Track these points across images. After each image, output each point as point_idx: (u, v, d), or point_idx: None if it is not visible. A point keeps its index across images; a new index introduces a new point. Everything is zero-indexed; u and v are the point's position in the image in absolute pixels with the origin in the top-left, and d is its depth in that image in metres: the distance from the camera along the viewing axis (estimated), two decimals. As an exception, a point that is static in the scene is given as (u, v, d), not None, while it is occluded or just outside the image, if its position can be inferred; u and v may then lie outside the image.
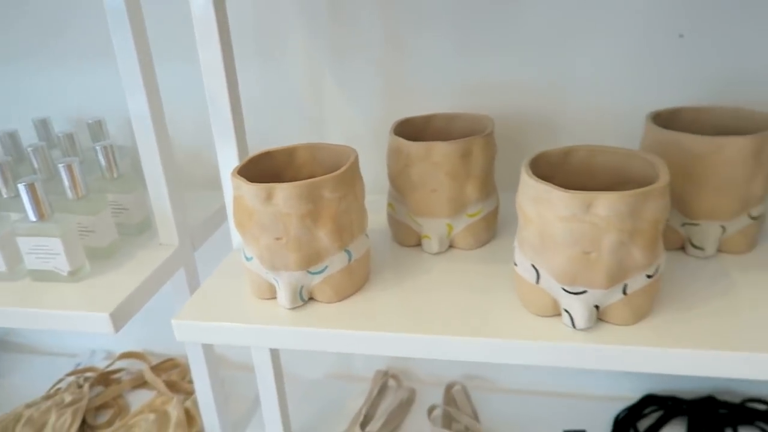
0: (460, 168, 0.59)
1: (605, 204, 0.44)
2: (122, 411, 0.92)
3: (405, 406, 0.91)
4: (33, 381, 0.99)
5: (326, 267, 0.54)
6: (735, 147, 0.54)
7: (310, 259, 0.53)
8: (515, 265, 0.53)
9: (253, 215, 0.52)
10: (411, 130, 0.66)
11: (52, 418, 0.86)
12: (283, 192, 0.50)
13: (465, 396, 0.91)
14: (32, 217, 0.60)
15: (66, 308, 0.58)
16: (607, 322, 0.50)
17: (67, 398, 0.90)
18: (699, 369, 0.47)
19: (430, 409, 0.88)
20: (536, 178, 0.47)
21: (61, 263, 0.62)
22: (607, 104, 0.71)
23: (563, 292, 0.49)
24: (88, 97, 0.86)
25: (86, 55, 0.83)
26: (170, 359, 1.01)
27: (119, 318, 0.58)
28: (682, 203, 0.59)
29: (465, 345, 0.50)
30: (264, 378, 0.82)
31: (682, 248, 0.61)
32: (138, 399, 0.95)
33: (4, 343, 1.14)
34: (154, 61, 0.62)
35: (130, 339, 1.06)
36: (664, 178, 0.47)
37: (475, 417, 0.88)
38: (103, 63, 0.82)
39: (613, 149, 0.53)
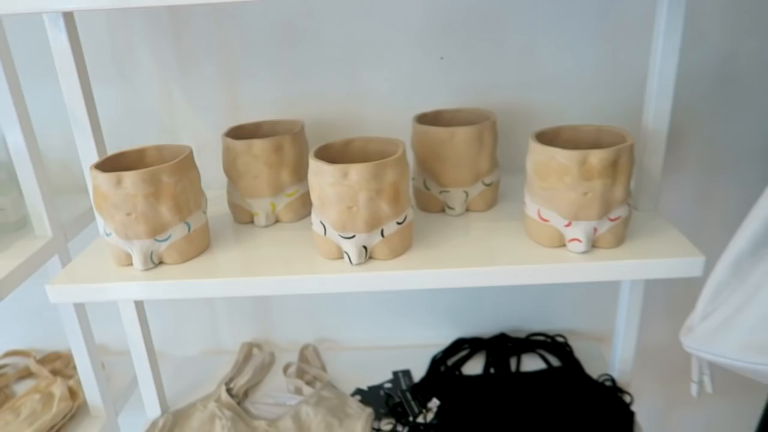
0: (275, 159, 0.79)
1: (355, 171, 0.66)
2: (9, 399, 1.02)
3: (267, 367, 1.08)
4: None
5: (170, 236, 0.72)
6: (462, 133, 0.78)
7: (156, 229, 0.70)
8: (312, 224, 0.73)
9: (108, 198, 0.68)
10: (241, 132, 0.85)
11: (-61, 408, 0.95)
12: (130, 178, 0.67)
13: (315, 354, 1.10)
14: None
15: (-47, 285, 0.71)
16: (375, 258, 0.72)
17: (-47, 391, 0.99)
18: (431, 282, 0.69)
19: (286, 367, 1.06)
20: (316, 159, 0.68)
21: (-54, 252, 0.74)
22: (390, 110, 0.94)
23: (341, 238, 0.70)
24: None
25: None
26: (54, 352, 1.12)
27: (2, 290, 0.72)
28: (437, 176, 0.81)
29: (273, 283, 0.69)
30: (138, 356, 0.96)
31: (443, 211, 0.84)
32: (24, 389, 1.05)
33: None
34: (27, 82, 0.77)
35: (13, 341, 1.15)
36: (399, 152, 0.69)
37: (323, 369, 1.07)
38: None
39: (377, 138, 0.75)
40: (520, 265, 0.69)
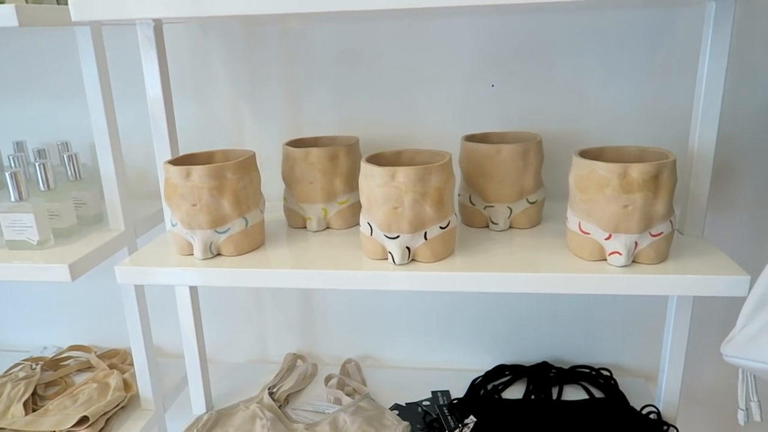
0: (330, 167, 0.85)
1: (403, 174, 0.70)
2: (69, 387, 1.09)
3: (309, 378, 1.11)
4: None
5: (229, 228, 0.78)
6: (508, 150, 0.82)
7: (217, 221, 0.76)
8: (359, 225, 0.77)
9: (177, 189, 0.75)
10: (301, 144, 0.91)
11: (8, 388, 1.03)
12: (198, 171, 0.74)
13: (357, 369, 1.12)
14: (13, 198, 0.81)
15: (35, 262, 0.79)
16: (417, 261, 0.75)
17: (21, 374, 1.07)
18: (471, 285, 0.72)
19: (327, 378, 1.08)
20: (367, 163, 0.73)
21: (32, 234, 0.83)
22: (441, 132, 0.98)
23: (386, 238, 0.74)
24: (56, 127, 1.08)
25: (56, 93, 1.07)
26: (113, 350, 1.19)
27: (75, 270, 0.79)
28: (482, 191, 0.85)
29: (319, 276, 0.74)
30: (190, 354, 1.01)
31: (487, 226, 0.87)
32: (84, 379, 1.12)
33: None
34: (116, 97, 0.87)
35: (78, 338, 1.23)
36: (446, 159, 0.73)
37: (364, 384, 1.08)
38: (71, 100, 1.06)
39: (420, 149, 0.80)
40: (559, 272, 0.70)
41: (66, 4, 0.74)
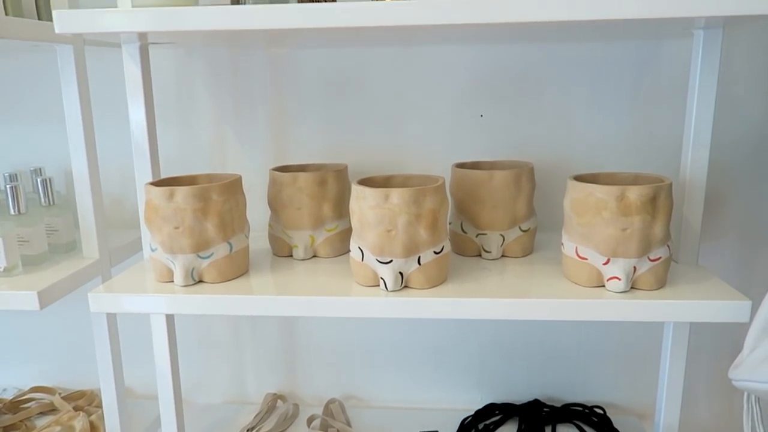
0: (318, 192, 0.82)
1: (396, 195, 0.68)
2: (30, 431, 1.01)
3: (290, 419, 1.05)
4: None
5: (212, 253, 0.74)
6: (500, 176, 0.80)
7: (200, 245, 0.73)
8: (349, 251, 0.74)
9: (159, 210, 0.71)
10: (288, 171, 0.89)
11: (-39, 432, 0.95)
12: (182, 192, 0.71)
13: (341, 410, 1.06)
14: (-19, 221, 0.77)
15: (1, 289, 0.74)
16: (410, 287, 0.72)
17: (-23, 418, 0.99)
18: (466, 312, 0.68)
19: (310, 419, 1.03)
20: (358, 185, 0.70)
21: (-1, 260, 0.77)
22: (431, 161, 0.97)
23: (378, 263, 0.71)
24: (29, 153, 1.04)
25: (30, 118, 1.03)
26: (79, 391, 1.11)
27: (45, 297, 0.74)
28: (474, 218, 0.83)
29: (305, 303, 0.70)
30: (165, 397, 0.95)
31: (479, 255, 0.84)
32: (46, 422, 1.04)
33: None
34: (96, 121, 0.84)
35: (42, 378, 1.16)
36: (439, 182, 0.71)
37: (348, 425, 1.03)
38: (45, 125, 1.02)
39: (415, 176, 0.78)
40: (559, 298, 0.68)
41: (49, 20, 0.72)
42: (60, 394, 1.09)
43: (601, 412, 1.03)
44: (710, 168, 0.78)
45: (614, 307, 0.68)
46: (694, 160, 0.78)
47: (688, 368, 0.86)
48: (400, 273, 0.71)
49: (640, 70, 0.92)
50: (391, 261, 0.70)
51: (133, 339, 1.04)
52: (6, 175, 0.94)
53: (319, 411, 1.06)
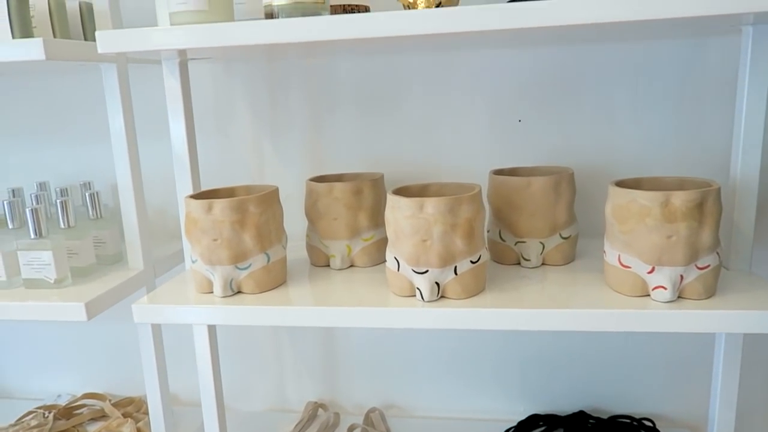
0: (354, 202, 0.82)
1: (431, 205, 0.67)
2: (81, 436, 1.04)
3: (331, 427, 1.05)
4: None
5: (250, 264, 0.75)
6: (539, 182, 0.78)
7: (238, 257, 0.74)
8: (385, 261, 0.74)
9: (198, 223, 0.73)
10: (324, 181, 0.89)
11: (18, 437, 0.99)
12: (219, 205, 0.72)
13: (381, 419, 1.06)
14: (32, 235, 0.80)
15: (51, 301, 0.77)
16: (447, 297, 0.71)
17: (33, 423, 1.03)
18: (505, 323, 0.67)
19: (350, 428, 1.03)
20: (393, 194, 0.70)
21: (49, 272, 0.80)
22: (470, 165, 0.96)
23: (414, 273, 0.70)
24: (78, 169, 1.08)
25: (79, 135, 1.07)
26: (128, 398, 1.14)
27: (92, 309, 0.77)
28: (512, 226, 0.81)
29: (343, 314, 0.70)
30: (208, 405, 0.97)
31: (518, 263, 0.83)
32: (97, 428, 1.07)
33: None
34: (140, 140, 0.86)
35: (93, 384, 1.20)
36: (476, 190, 0.70)
37: (388, 434, 1.02)
38: (93, 141, 1.06)
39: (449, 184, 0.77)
40: (601, 309, 0.66)
41: (94, 40, 0.75)
42: (110, 400, 1.13)
43: (651, 424, 0.99)
44: (762, 170, 0.74)
45: (660, 317, 0.65)
46: (744, 163, 0.75)
47: (741, 379, 0.82)
48: (437, 283, 0.70)
49: (685, 70, 0.89)
50: (426, 271, 0.69)
51: (179, 347, 1.07)
52: (57, 189, 0.98)
53: (359, 420, 1.06)
